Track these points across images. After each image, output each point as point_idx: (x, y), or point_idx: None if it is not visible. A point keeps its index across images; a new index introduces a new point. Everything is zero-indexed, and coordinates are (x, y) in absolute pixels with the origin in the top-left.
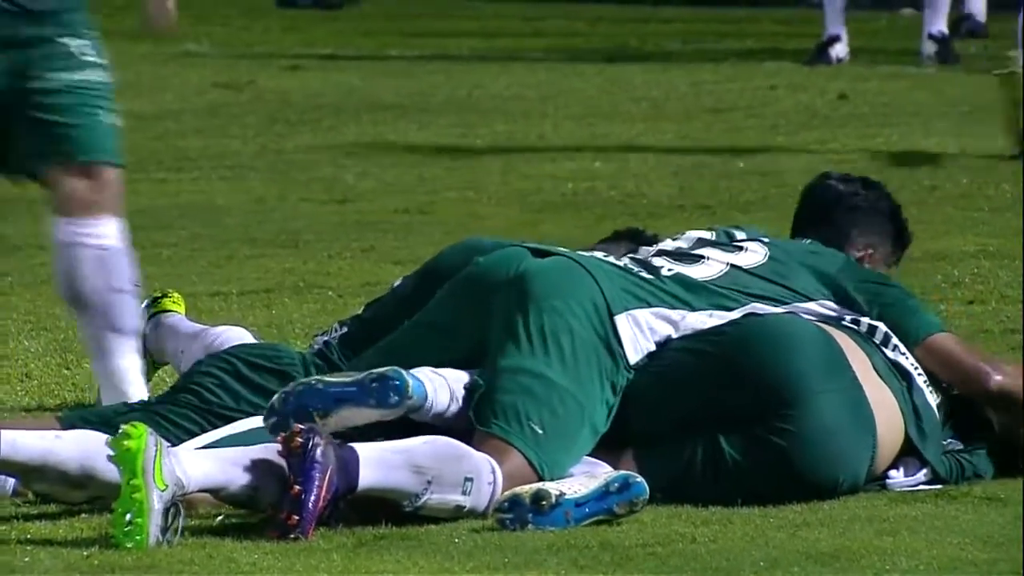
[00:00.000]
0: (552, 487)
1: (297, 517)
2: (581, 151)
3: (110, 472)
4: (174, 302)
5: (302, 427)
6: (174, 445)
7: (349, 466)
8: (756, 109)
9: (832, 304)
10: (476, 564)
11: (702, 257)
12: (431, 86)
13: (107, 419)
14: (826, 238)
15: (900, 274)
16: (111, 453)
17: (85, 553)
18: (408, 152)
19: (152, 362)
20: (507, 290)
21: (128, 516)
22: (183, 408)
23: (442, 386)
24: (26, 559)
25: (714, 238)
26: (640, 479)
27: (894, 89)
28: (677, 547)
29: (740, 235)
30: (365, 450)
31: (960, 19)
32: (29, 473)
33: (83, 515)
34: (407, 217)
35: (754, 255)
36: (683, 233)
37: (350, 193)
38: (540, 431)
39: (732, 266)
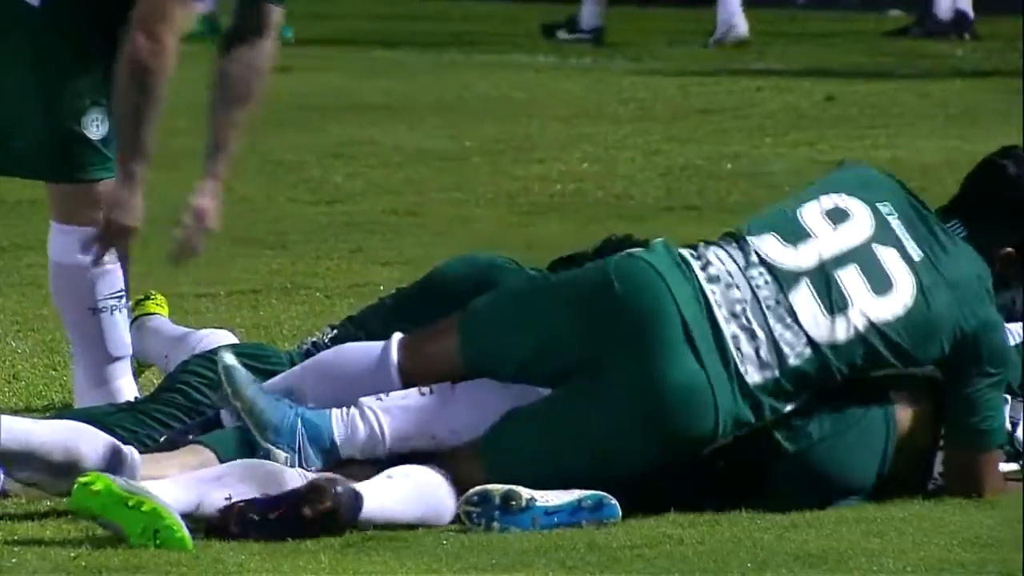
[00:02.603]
0: (524, 491)
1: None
2: (569, 152)
3: (93, 455)
4: (157, 304)
5: (328, 485)
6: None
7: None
8: (743, 110)
9: (936, 371)
10: (464, 565)
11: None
12: (419, 87)
13: (95, 420)
14: (976, 230)
15: None
16: (98, 516)
17: (72, 554)
18: (396, 153)
19: (137, 364)
20: (625, 347)
21: (155, 531)
22: (170, 407)
23: (364, 423)
24: (13, 560)
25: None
26: (614, 502)
27: (881, 91)
28: (664, 549)
29: (912, 250)
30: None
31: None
32: (12, 459)
33: (70, 516)
34: (395, 218)
35: (891, 305)
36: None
37: (338, 194)
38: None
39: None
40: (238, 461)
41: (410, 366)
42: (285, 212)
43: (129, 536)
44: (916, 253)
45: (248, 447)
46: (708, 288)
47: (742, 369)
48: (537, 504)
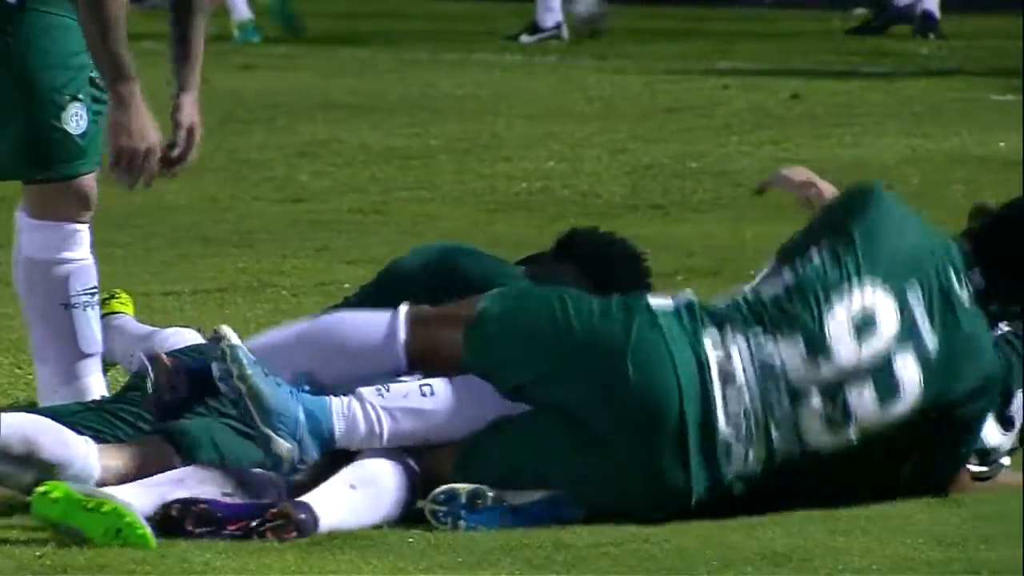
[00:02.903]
0: (490, 490)
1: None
2: (535, 150)
3: (53, 446)
4: (122, 303)
5: (293, 512)
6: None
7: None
8: (709, 109)
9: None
10: (430, 564)
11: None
12: (385, 85)
13: (60, 418)
14: (998, 285)
15: None
16: (59, 523)
17: (37, 553)
18: (362, 152)
19: (102, 363)
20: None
21: (117, 530)
22: (137, 406)
23: (363, 418)
24: None
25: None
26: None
27: (847, 89)
28: (631, 547)
29: (928, 343)
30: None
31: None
32: None
33: None
34: (361, 217)
35: (895, 411)
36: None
37: (304, 192)
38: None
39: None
40: (199, 463)
41: (417, 346)
42: (251, 211)
43: (92, 538)
44: (931, 345)
45: (202, 440)
46: (718, 391)
47: (724, 471)
48: (504, 504)
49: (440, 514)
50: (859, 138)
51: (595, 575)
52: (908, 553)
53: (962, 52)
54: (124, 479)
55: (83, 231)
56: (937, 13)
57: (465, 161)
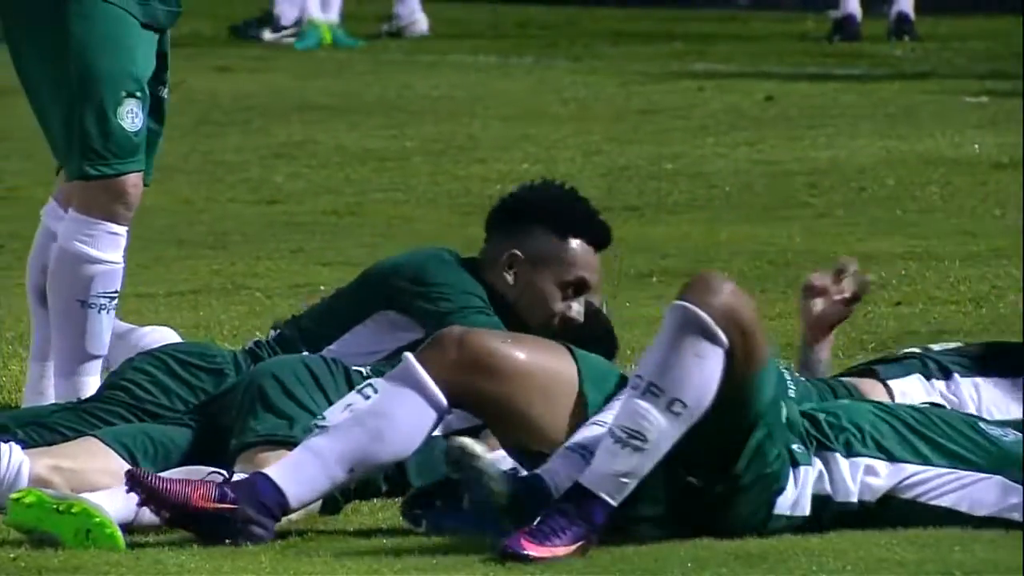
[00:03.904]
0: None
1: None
2: (509, 152)
3: None
4: None
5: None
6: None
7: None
8: (684, 110)
9: None
10: (404, 565)
11: None
12: (361, 87)
13: (37, 419)
14: None
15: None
16: (34, 529)
17: (12, 555)
18: (337, 153)
19: None
20: None
21: (87, 531)
22: (115, 406)
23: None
24: None
25: None
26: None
27: (821, 91)
28: (605, 547)
29: None
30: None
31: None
32: None
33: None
34: (336, 218)
35: None
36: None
37: (279, 194)
38: None
39: None
40: (178, 468)
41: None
42: (226, 212)
43: (64, 541)
44: None
45: (135, 435)
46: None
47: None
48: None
49: (416, 516)
50: (833, 139)
51: (570, 575)
52: (882, 554)
53: (936, 54)
54: (61, 472)
55: (121, 235)
56: (912, 15)
57: (440, 163)
